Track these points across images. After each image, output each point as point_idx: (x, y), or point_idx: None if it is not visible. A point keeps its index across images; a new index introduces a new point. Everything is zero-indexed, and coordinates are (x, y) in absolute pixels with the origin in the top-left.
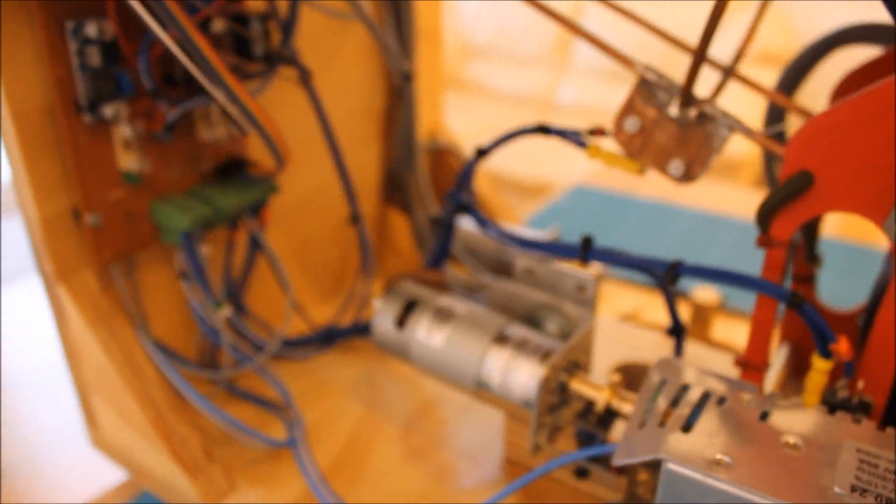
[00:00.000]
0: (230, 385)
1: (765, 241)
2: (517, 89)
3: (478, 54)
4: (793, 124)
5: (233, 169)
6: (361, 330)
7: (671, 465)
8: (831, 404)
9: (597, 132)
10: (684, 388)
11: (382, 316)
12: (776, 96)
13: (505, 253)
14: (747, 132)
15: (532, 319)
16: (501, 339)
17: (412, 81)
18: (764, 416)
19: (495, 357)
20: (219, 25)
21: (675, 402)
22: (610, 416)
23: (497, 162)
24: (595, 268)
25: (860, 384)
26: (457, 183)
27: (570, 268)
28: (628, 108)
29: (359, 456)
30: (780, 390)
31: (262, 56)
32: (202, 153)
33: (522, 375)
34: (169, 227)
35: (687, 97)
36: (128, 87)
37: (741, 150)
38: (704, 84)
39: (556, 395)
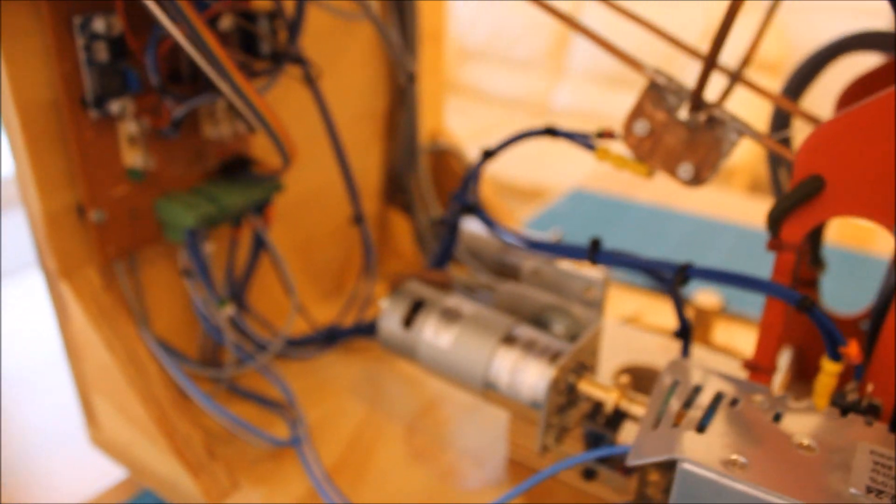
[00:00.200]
0: (232, 384)
1: (775, 244)
2: (512, 93)
3: (473, 57)
4: (798, 130)
5: (237, 167)
6: (364, 330)
7: (686, 466)
8: (841, 407)
9: (605, 135)
10: (696, 390)
11: (389, 316)
12: (782, 101)
13: (507, 255)
14: (756, 136)
15: (539, 320)
16: (509, 339)
17: (415, 82)
18: (777, 417)
19: (504, 358)
20: (226, 23)
21: (687, 404)
22: (618, 417)
23: (492, 166)
24: (599, 270)
25: (869, 387)
26: (462, 184)
27: (577, 269)
28: (638, 112)
29: (361, 456)
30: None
31: (269, 54)
32: (207, 151)
33: (531, 376)
34: (173, 224)
35: (697, 101)
36: (134, 83)
37: (736, 156)
38: (709, 88)
39: (564, 396)
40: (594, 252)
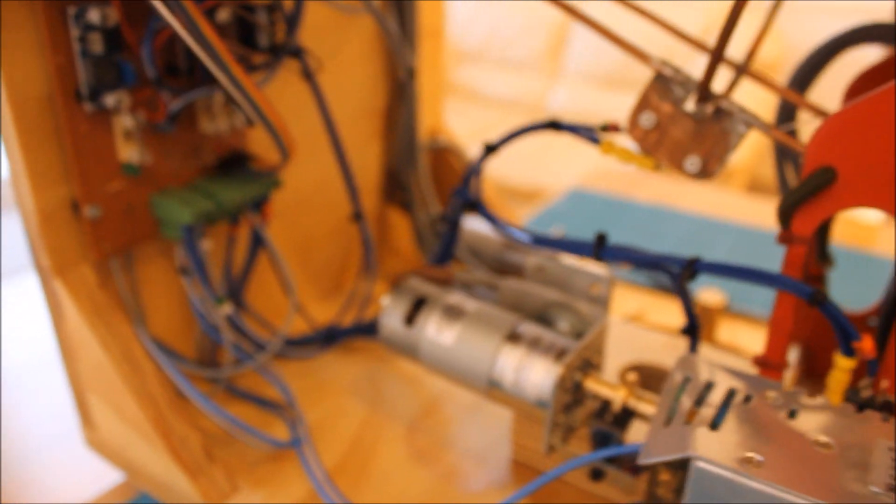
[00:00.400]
0: (229, 384)
1: (785, 237)
2: (509, 94)
3: (470, 59)
4: (803, 123)
5: (235, 162)
6: (363, 329)
7: (701, 464)
8: (856, 403)
9: (610, 128)
10: (708, 387)
11: (390, 313)
12: (789, 94)
13: (508, 253)
14: (765, 128)
15: (543, 318)
16: (514, 336)
17: (414, 79)
18: (792, 414)
19: (508, 355)
20: (224, 15)
21: (699, 401)
22: (626, 415)
23: (490, 166)
24: (604, 266)
25: (884, 383)
26: (464, 179)
27: (582, 265)
28: (644, 104)
29: (362, 457)
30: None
31: (268, 47)
32: (203, 146)
33: (537, 374)
34: (170, 220)
35: (704, 92)
36: (130, 76)
37: (734, 156)
38: (715, 81)
39: (570, 394)
40: (600, 247)
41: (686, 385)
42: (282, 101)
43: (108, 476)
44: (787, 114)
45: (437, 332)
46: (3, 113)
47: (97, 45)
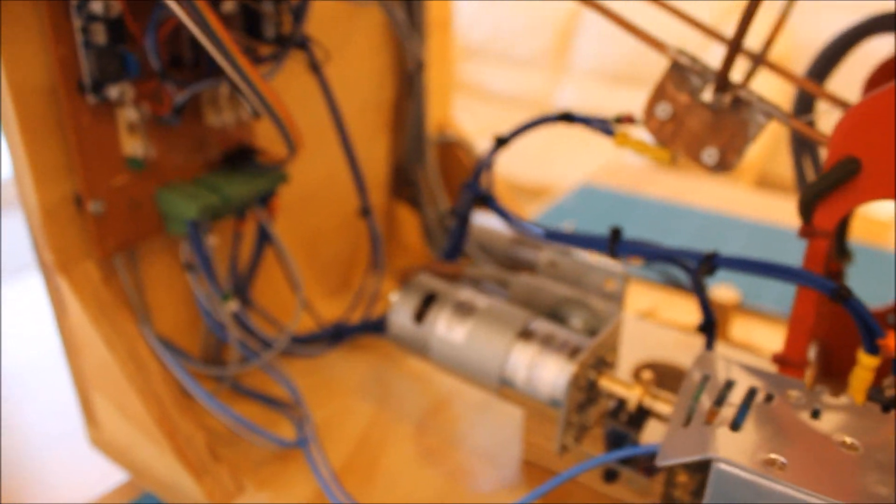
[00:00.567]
0: (235, 383)
1: (807, 231)
2: (516, 91)
3: (476, 55)
4: (822, 113)
5: (241, 156)
6: (371, 327)
7: (722, 466)
8: (881, 403)
9: (624, 119)
10: (728, 385)
11: (399, 310)
12: (807, 84)
13: (519, 249)
14: (785, 118)
15: (556, 314)
16: (526, 334)
17: (423, 71)
18: (815, 413)
19: (520, 353)
20: (229, 5)
21: (719, 401)
22: (642, 415)
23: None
24: (616, 265)
25: None
26: (474, 173)
27: (596, 260)
28: (659, 94)
29: (370, 457)
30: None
31: (274, 38)
32: (209, 139)
33: (550, 372)
34: (175, 215)
35: (722, 82)
36: (134, 68)
37: None
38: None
39: (584, 393)
40: (615, 242)
41: (705, 384)
42: (288, 94)
43: (112, 476)
44: (804, 105)
45: (447, 329)
46: (4, 106)
47: (100, 35)
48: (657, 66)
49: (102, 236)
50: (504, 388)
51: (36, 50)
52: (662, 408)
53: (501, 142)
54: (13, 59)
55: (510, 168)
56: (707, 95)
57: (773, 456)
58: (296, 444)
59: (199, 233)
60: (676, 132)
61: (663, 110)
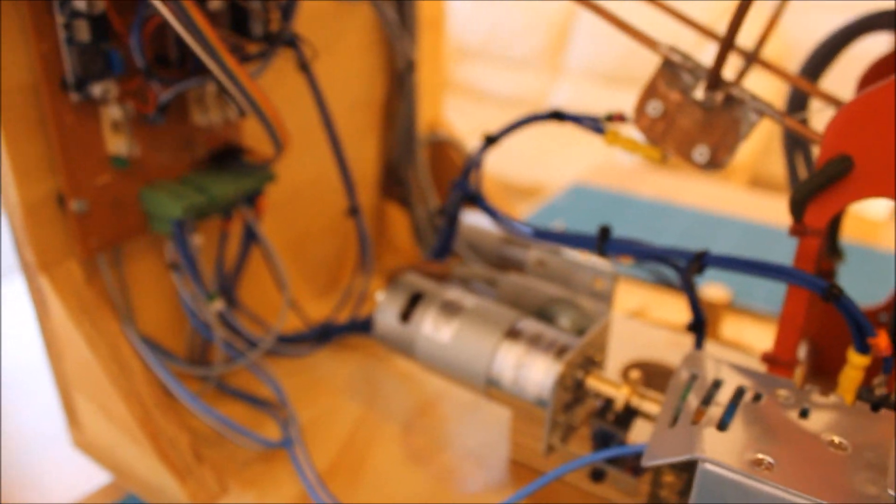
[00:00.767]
0: (221, 383)
1: (798, 229)
2: (510, 92)
3: (470, 56)
4: (815, 112)
5: (227, 155)
6: (359, 327)
7: (708, 466)
8: (871, 402)
9: (615, 117)
10: (715, 385)
11: (385, 310)
12: (801, 82)
13: (509, 249)
14: (778, 116)
15: (544, 314)
16: (513, 333)
17: (413, 71)
18: (803, 413)
19: (507, 353)
20: (216, 2)
21: (706, 400)
22: (629, 415)
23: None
24: (604, 264)
25: None
26: (463, 172)
27: (585, 259)
28: (650, 91)
29: (357, 457)
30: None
31: (262, 36)
32: (195, 138)
33: (537, 372)
34: (159, 214)
35: (715, 80)
36: (118, 65)
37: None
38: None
39: (571, 392)
40: (604, 241)
41: (692, 383)
42: (277, 93)
43: (95, 477)
44: (797, 103)
45: (433, 328)
46: None
47: (83, 32)
48: (652, 66)
49: (85, 235)
50: (491, 388)
51: (17, 46)
52: (650, 407)
53: (491, 140)
54: None
55: (502, 168)
56: (699, 93)
57: (760, 456)
58: (281, 444)
59: (185, 232)
60: (667, 130)
61: (654, 108)
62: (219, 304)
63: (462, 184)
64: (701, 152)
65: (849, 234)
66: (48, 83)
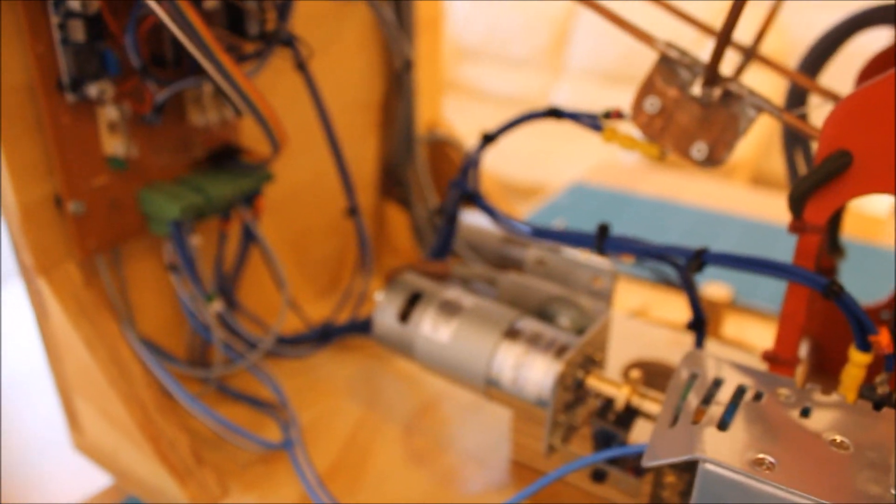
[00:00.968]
0: (221, 384)
1: (798, 226)
2: (510, 91)
3: (470, 56)
4: (814, 107)
5: (225, 156)
6: (359, 327)
7: (709, 467)
8: (873, 401)
9: (613, 114)
10: (716, 384)
11: (384, 310)
12: (799, 77)
13: (508, 248)
14: (776, 112)
15: (543, 313)
16: (513, 333)
17: (412, 70)
18: (805, 412)
19: (507, 352)
20: (211, 1)
21: (707, 399)
22: (630, 414)
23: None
24: (604, 262)
25: None
26: (461, 170)
27: (585, 258)
28: (648, 88)
29: (358, 458)
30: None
31: (258, 35)
32: (193, 139)
33: (536, 372)
34: (157, 216)
35: (712, 75)
36: (114, 66)
37: (738, 151)
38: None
39: (571, 392)
40: (602, 239)
41: (693, 382)
42: (274, 93)
43: (97, 480)
44: (796, 99)
45: (432, 328)
46: None
47: (78, 32)
48: (654, 53)
49: (83, 237)
50: (490, 388)
51: (12, 47)
52: (651, 407)
53: (488, 138)
54: None
55: (503, 168)
56: (696, 89)
57: (761, 455)
58: (281, 445)
59: (183, 233)
60: (665, 127)
61: (652, 105)
62: (218, 306)
63: (460, 183)
64: (699, 149)
65: (850, 231)
66: (44, 84)
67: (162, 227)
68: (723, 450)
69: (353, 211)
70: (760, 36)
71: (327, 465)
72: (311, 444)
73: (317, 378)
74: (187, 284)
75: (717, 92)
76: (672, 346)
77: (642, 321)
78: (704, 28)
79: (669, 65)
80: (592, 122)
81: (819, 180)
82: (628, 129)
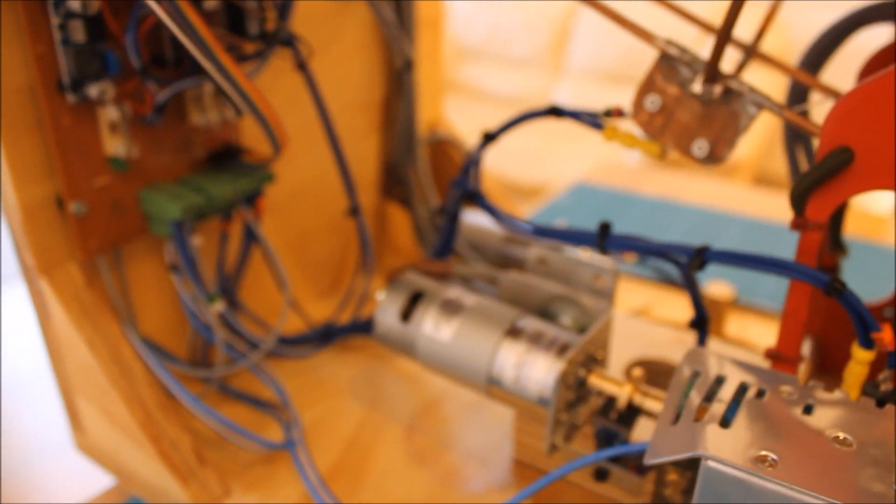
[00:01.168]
0: (223, 384)
1: (799, 223)
2: (511, 91)
3: (471, 56)
4: (815, 105)
5: (226, 156)
6: (361, 327)
7: (712, 464)
8: (876, 398)
9: (614, 112)
10: (718, 381)
11: (386, 309)
12: (800, 74)
13: (510, 247)
14: (777, 109)
15: (545, 312)
16: (514, 331)
17: (412, 70)
18: (808, 409)
19: (508, 351)
20: (211, 1)
21: (709, 397)
22: (632, 413)
23: (489, 162)
24: (606, 261)
25: None
26: (463, 170)
27: (586, 257)
28: (648, 86)
29: (360, 458)
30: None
31: (258, 35)
32: (194, 139)
33: (538, 371)
34: (158, 216)
35: (712, 72)
36: (114, 66)
37: (740, 150)
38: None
39: (573, 391)
40: (604, 237)
41: (695, 380)
42: (275, 93)
43: (99, 481)
44: (797, 96)
45: (434, 327)
46: None
47: (79, 33)
48: (654, 50)
49: (85, 238)
50: (492, 387)
51: (13, 47)
52: (653, 405)
53: (489, 137)
54: None
55: (505, 168)
56: (697, 87)
57: (764, 453)
58: (283, 446)
59: (184, 233)
60: (666, 125)
61: (652, 102)
62: (220, 306)
63: (461, 182)
64: (700, 146)
65: (852, 230)
66: (45, 85)
67: (163, 227)
68: (725, 447)
69: (354, 211)
70: (761, 33)
71: (329, 465)
72: (313, 444)
73: (318, 378)
74: (189, 285)
75: (717, 89)
76: (674, 345)
77: (644, 320)
78: (705, 26)
79: (670, 62)
80: (593, 120)
81: (821, 177)
82: (629, 127)
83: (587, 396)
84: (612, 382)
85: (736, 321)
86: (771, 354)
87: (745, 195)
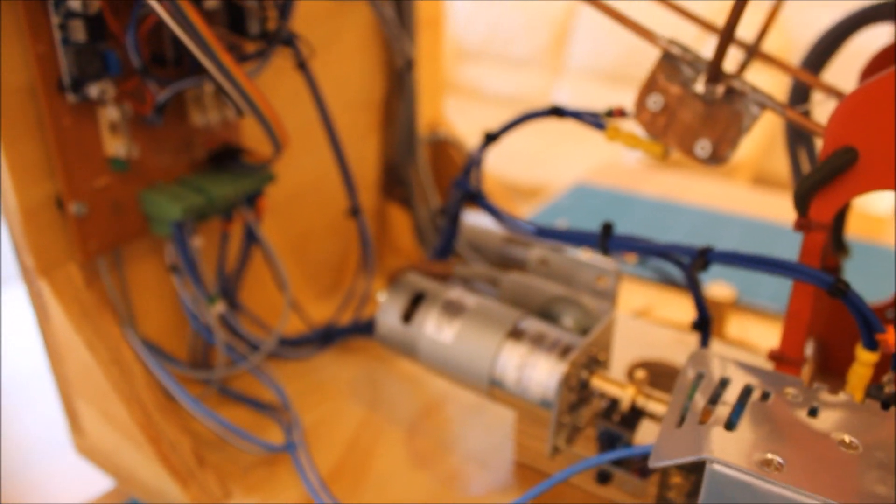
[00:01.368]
0: (223, 386)
1: (803, 224)
2: (511, 91)
3: (471, 56)
4: (817, 104)
5: (227, 156)
6: (362, 329)
7: (717, 467)
8: (881, 400)
9: (616, 112)
10: (722, 383)
11: (387, 310)
12: (802, 74)
13: (511, 248)
14: (779, 109)
15: (547, 313)
16: (516, 333)
17: (413, 70)
18: (813, 412)
19: (510, 353)
20: (211, 2)
21: (713, 399)
22: (635, 415)
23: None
24: (608, 262)
25: None
26: (464, 170)
27: (588, 257)
28: (650, 85)
29: (360, 461)
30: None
31: (259, 35)
32: (194, 139)
33: (540, 372)
34: (159, 217)
35: (715, 72)
36: (115, 66)
37: (740, 150)
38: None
39: (576, 393)
40: (606, 238)
41: (699, 382)
42: (275, 93)
43: (98, 483)
44: (799, 96)
45: (435, 329)
46: None
47: (79, 32)
48: (656, 50)
49: (85, 238)
50: (494, 389)
51: (13, 47)
52: (656, 407)
53: (491, 138)
54: None
55: (505, 169)
56: (699, 86)
57: (769, 456)
58: (283, 448)
59: (184, 234)
60: (668, 125)
61: (655, 102)
62: (220, 307)
63: (463, 182)
64: (703, 146)
65: (854, 231)
66: (45, 85)
67: (163, 228)
68: (730, 450)
69: (355, 211)
70: (763, 33)
71: (330, 468)
72: (314, 446)
73: (319, 380)
74: (189, 286)
75: (720, 89)
76: (676, 346)
77: (646, 321)
78: (707, 25)
79: (672, 62)
80: (595, 120)
81: (824, 177)
82: (631, 127)
83: (590, 398)
84: (615, 384)
85: (737, 322)
86: (774, 356)
87: (745, 195)
